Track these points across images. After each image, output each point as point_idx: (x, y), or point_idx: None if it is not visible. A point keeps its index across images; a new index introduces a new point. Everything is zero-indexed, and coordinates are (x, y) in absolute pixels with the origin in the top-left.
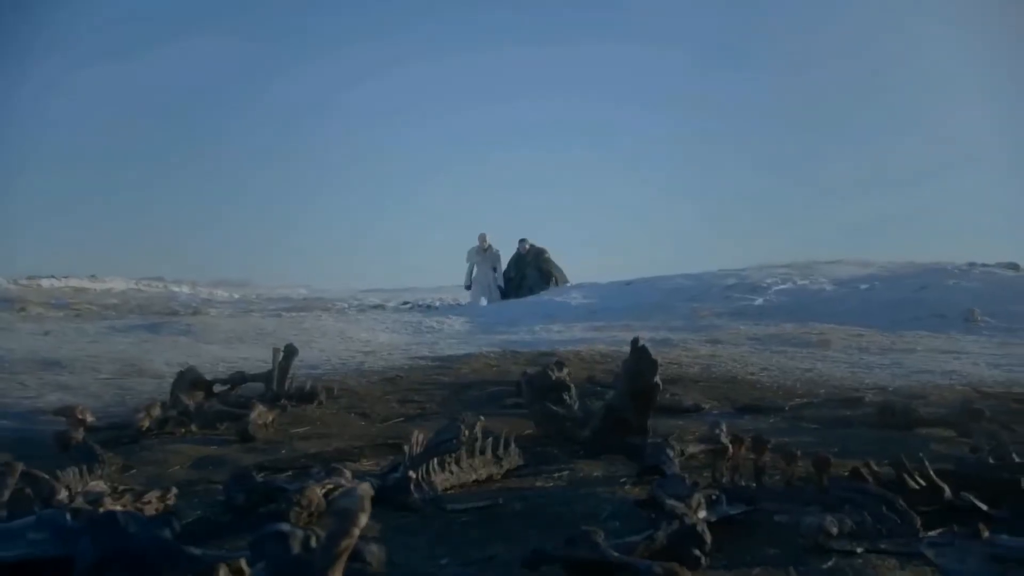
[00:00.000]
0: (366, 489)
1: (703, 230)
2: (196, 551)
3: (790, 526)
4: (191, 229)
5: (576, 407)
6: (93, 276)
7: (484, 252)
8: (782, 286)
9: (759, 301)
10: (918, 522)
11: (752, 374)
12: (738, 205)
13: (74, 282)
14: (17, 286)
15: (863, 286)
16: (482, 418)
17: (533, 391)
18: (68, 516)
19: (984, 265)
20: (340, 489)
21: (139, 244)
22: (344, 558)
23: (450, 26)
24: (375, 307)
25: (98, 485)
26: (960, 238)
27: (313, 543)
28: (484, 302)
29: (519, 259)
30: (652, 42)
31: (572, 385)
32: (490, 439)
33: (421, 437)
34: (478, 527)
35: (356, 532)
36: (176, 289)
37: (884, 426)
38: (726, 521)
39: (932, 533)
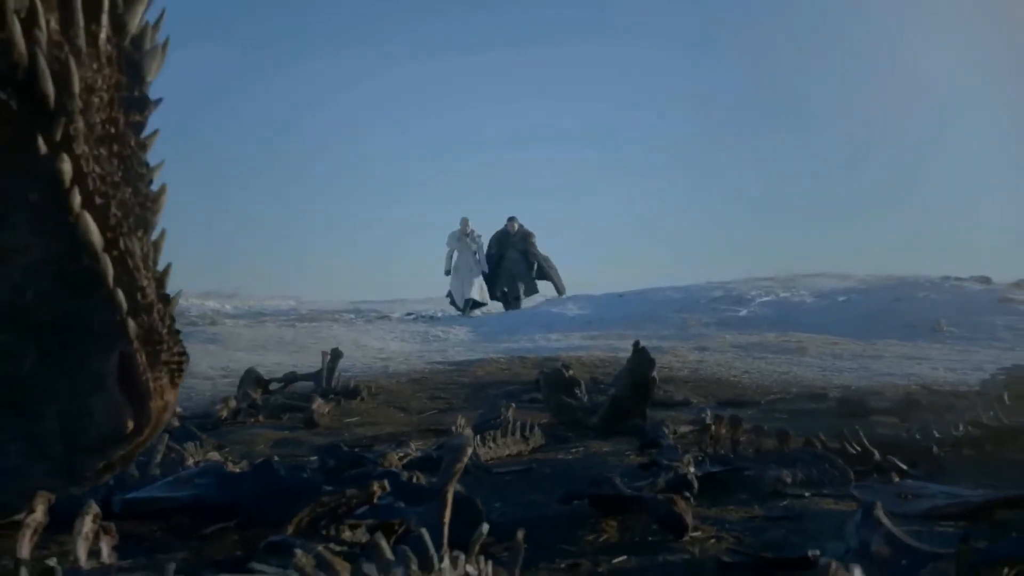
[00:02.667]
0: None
1: (692, 243)
2: (330, 487)
3: (757, 478)
4: (178, 239)
5: (586, 400)
6: None
7: (465, 237)
8: (765, 298)
9: (743, 312)
10: (851, 475)
11: (735, 376)
12: (726, 219)
13: None
14: None
15: (841, 298)
16: (514, 405)
17: (550, 386)
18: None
19: (957, 278)
20: (408, 457)
21: None
22: (456, 479)
23: (436, 32)
24: (380, 317)
25: (214, 455)
26: (943, 251)
27: (414, 480)
28: (468, 292)
29: (503, 236)
30: (648, 47)
31: (582, 381)
32: (518, 423)
33: (463, 420)
34: (518, 484)
35: (465, 459)
36: None
37: (841, 415)
38: (709, 476)
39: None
